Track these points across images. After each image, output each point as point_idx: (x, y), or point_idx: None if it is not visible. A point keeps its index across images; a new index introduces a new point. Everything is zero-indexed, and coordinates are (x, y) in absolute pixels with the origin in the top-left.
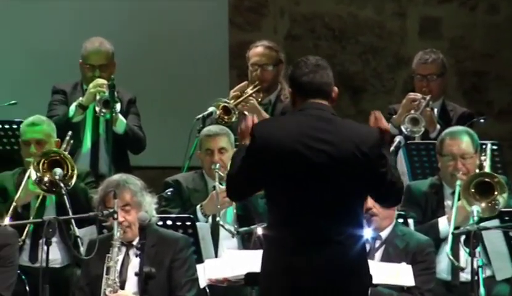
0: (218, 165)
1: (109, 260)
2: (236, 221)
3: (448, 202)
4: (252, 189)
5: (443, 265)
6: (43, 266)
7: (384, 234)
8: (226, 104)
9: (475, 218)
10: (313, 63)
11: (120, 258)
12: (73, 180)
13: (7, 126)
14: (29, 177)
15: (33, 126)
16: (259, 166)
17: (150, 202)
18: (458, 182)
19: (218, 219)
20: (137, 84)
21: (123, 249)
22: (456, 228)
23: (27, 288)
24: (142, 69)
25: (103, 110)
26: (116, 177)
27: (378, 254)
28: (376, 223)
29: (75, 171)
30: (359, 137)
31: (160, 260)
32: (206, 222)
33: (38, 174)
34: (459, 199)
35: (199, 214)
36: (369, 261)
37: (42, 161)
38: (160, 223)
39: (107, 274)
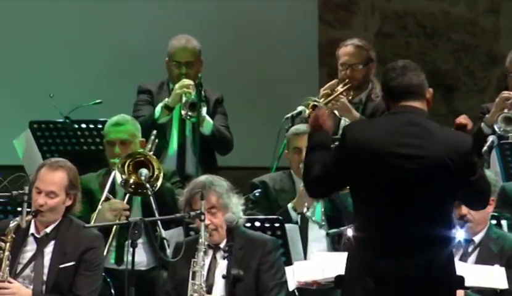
0: None
1: (195, 265)
2: (325, 222)
3: None
4: (335, 189)
5: None
6: (128, 268)
7: (478, 238)
8: (315, 103)
9: None
10: (400, 66)
11: (207, 261)
12: (159, 182)
13: (91, 126)
14: (114, 179)
15: (117, 125)
16: (348, 168)
17: (237, 203)
18: None
19: (307, 213)
20: (224, 83)
21: (210, 252)
22: None
23: (112, 291)
24: (229, 68)
25: (190, 113)
26: (202, 178)
27: (471, 259)
28: (471, 229)
29: (161, 173)
30: (452, 144)
31: (248, 263)
32: (297, 220)
33: (123, 176)
34: None
35: (291, 212)
36: (462, 264)
37: (127, 163)
38: (248, 225)
39: (192, 279)
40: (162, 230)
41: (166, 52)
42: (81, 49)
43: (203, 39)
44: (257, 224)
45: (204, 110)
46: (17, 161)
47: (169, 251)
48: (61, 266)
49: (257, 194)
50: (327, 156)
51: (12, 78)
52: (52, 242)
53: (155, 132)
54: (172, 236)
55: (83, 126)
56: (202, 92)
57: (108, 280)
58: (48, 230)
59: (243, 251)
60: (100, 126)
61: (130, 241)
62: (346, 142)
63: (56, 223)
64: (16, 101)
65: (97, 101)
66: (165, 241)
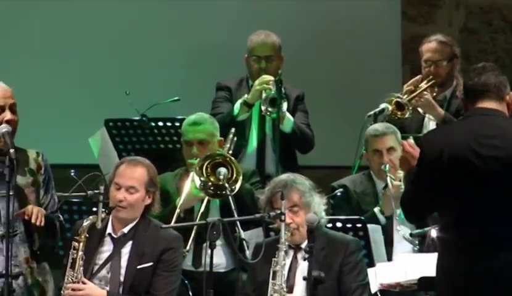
0: (387, 166)
1: (276, 264)
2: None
3: None
4: (431, 205)
5: None
6: (207, 270)
7: None
8: (398, 99)
9: None
10: (479, 67)
11: (288, 261)
12: (238, 185)
13: (168, 124)
14: (192, 181)
15: (195, 125)
16: (431, 178)
17: (319, 203)
18: None
19: (396, 218)
20: (305, 80)
21: (291, 252)
22: None
23: (190, 293)
24: (310, 65)
25: (270, 109)
26: (284, 176)
27: None
28: None
29: (240, 176)
30: None
31: (329, 264)
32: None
33: (202, 178)
34: None
35: (379, 216)
36: None
37: (205, 165)
38: (330, 225)
39: (273, 279)
40: (241, 231)
41: (246, 49)
42: (159, 45)
43: (284, 35)
44: (339, 224)
45: (285, 106)
46: (92, 160)
47: (248, 253)
48: (139, 266)
49: (339, 194)
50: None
51: (88, 75)
52: (130, 242)
53: (233, 130)
54: (251, 237)
55: (160, 124)
56: (282, 89)
57: (186, 282)
58: (125, 230)
59: (325, 252)
60: (177, 124)
61: (208, 242)
62: (425, 151)
63: (134, 223)
64: (92, 99)
65: (175, 98)
66: (244, 242)
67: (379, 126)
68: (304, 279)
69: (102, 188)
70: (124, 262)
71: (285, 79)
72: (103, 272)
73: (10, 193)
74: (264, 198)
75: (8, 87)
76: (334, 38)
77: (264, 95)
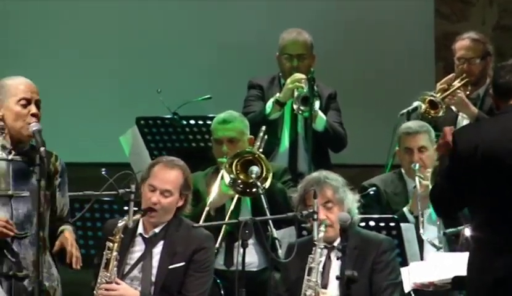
0: (417, 165)
1: (312, 261)
2: (441, 223)
3: None
4: (461, 202)
5: None
6: (239, 269)
7: None
8: (432, 98)
9: None
10: (509, 64)
11: (322, 260)
12: (268, 182)
13: (200, 122)
14: (222, 178)
15: (225, 123)
16: (464, 174)
17: (352, 200)
18: None
19: (421, 220)
20: (338, 79)
21: (324, 251)
22: None
23: (222, 292)
24: (343, 64)
25: (302, 108)
26: (316, 173)
27: None
28: None
29: (270, 173)
30: None
31: (362, 263)
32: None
33: (231, 176)
34: None
35: (408, 216)
36: None
37: (235, 162)
38: (363, 224)
39: (308, 275)
40: (274, 230)
41: (277, 46)
42: (190, 43)
43: (316, 34)
44: (372, 223)
45: (317, 104)
46: (124, 158)
47: (281, 252)
48: (171, 266)
49: (372, 192)
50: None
51: (119, 73)
52: (161, 242)
53: (263, 128)
54: (284, 236)
55: (192, 122)
56: (315, 87)
57: (218, 281)
58: (157, 230)
59: (358, 251)
60: (209, 123)
61: (240, 241)
62: (458, 147)
63: (165, 223)
64: (123, 97)
65: (206, 96)
66: (276, 241)
67: (412, 124)
68: (337, 278)
69: (133, 187)
70: (155, 262)
71: (318, 78)
72: (135, 272)
73: (41, 195)
74: (297, 196)
75: (33, 83)
76: (366, 36)
77: (296, 93)
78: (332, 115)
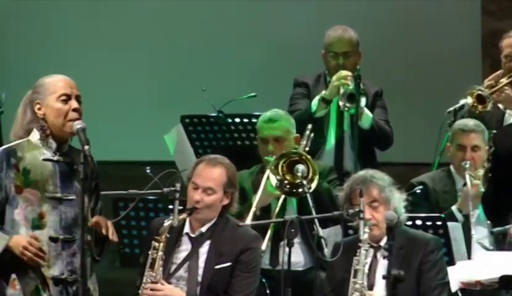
0: (468, 164)
1: (357, 263)
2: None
3: None
4: (506, 203)
5: None
6: (285, 268)
7: None
8: (480, 92)
9: None
10: None
11: (368, 260)
12: (314, 184)
13: (245, 120)
14: (268, 178)
15: (271, 122)
16: (505, 174)
17: (399, 199)
18: None
19: (472, 220)
20: (383, 76)
21: (371, 251)
22: None
23: (268, 291)
24: (389, 61)
25: (348, 105)
26: (362, 172)
27: None
28: None
29: (316, 175)
30: None
31: (409, 262)
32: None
33: (278, 177)
34: None
35: (457, 214)
36: None
37: (281, 164)
38: (409, 223)
39: (354, 277)
40: (319, 228)
41: (323, 44)
42: (235, 41)
43: (363, 32)
44: (418, 222)
45: (363, 102)
46: (168, 157)
47: (327, 251)
48: (217, 267)
49: (418, 191)
50: None
51: (163, 71)
52: (208, 242)
53: (310, 126)
54: (329, 235)
55: (237, 120)
56: (361, 85)
57: (264, 281)
58: (203, 229)
59: (404, 250)
60: (254, 121)
61: (286, 240)
62: (497, 148)
63: (212, 222)
64: (168, 95)
65: (252, 94)
66: (322, 240)
67: (468, 122)
68: (383, 277)
69: (178, 185)
70: (202, 262)
71: (364, 76)
72: (181, 271)
73: (85, 194)
74: (342, 194)
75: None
76: (413, 34)
77: (342, 90)
78: (379, 112)
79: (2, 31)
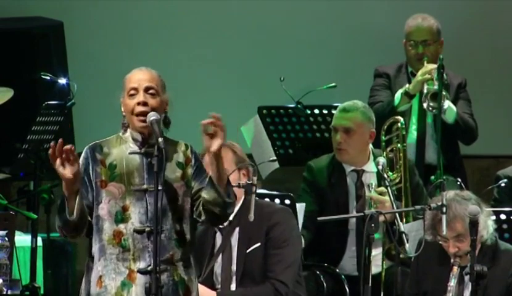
0: None
1: (450, 290)
2: None
3: None
4: None
5: None
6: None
7: None
8: None
9: None
10: None
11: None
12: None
13: (325, 111)
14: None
15: (344, 112)
16: None
17: (484, 225)
18: None
19: None
20: (467, 66)
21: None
22: None
23: (346, 287)
24: (472, 50)
25: (431, 104)
26: (450, 197)
27: None
28: None
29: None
30: None
31: (498, 276)
32: None
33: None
34: None
35: None
36: None
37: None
38: (493, 218)
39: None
40: (401, 223)
41: (403, 33)
42: (314, 30)
43: (444, 18)
44: (503, 216)
45: (446, 103)
46: (245, 149)
47: (408, 246)
48: (248, 250)
49: (503, 185)
50: None
51: (240, 61)
52: (237, 230)
53: (400, 118)
54: (411, 230)
55: (316, 111)
56: (444, 75)
57: (343, 277)
58: (230, 218)
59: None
60: (334, 112)
61: (366, 235)
62: None
63: (237, 208)
64: (244, 85)
65: (331, 84)
66: (403, 235)
67: None
68: (466, 273)
69: (254, 179)
70: (234, 252)
71: (447, 65)
72: (216, 265)
73: (159, 187)
74: (428, 220)
75: (149, 70)
76: (498, 23)
77: (425, 90)
78: (462, 105)
79: (77, 25)
